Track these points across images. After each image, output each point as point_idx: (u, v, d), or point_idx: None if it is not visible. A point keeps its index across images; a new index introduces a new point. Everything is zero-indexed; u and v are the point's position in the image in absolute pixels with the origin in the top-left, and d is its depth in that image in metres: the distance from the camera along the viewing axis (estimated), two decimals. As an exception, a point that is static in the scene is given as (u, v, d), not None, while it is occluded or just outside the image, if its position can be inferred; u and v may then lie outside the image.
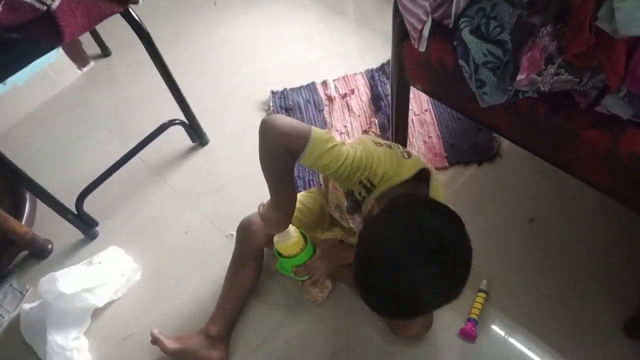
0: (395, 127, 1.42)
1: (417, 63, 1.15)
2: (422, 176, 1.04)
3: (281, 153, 0.94)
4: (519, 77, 0.91)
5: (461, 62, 1.05)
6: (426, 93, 1.23)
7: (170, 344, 1.27)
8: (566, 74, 0.89)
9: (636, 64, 0.83)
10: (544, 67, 0.89)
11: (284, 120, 0.95)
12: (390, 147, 1.07)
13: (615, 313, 1.27)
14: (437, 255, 0.82)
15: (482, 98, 1.03)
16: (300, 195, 1.35)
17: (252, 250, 1.33)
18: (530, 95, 0.96)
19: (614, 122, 0.93)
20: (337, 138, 0.99)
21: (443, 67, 1.10)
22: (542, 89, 0.92)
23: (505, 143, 1.63)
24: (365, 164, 0.98)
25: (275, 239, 1.15)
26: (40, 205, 1.60)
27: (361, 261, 0.90)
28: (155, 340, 1.27)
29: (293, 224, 1.13)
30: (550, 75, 0.90)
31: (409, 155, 1.08)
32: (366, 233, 0.93)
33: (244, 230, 1.32)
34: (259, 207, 1.11)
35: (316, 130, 0.94)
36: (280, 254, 1.18)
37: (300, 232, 1.17)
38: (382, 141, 1.09)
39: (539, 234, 1.44)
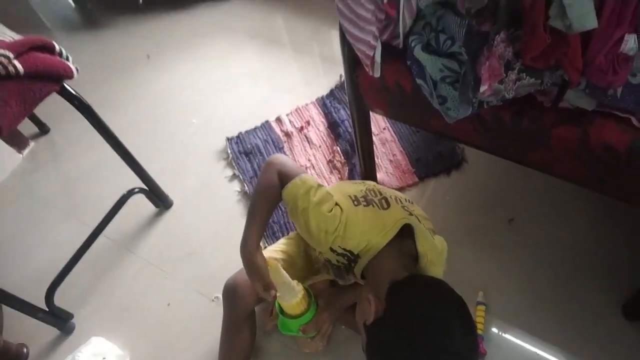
0: (361, 154, 1.40)
1: (374, 89, 1.13)
2: (405, 230, 1.02)
3: (272, 184, 1.04)
4: (482, 89, 0.90)
5: (419, 81, 1.04)
6: (388, 117, 1.22)
7: None
8: (527, 77, 0.89)
9: (594, 55, 0.83)
10: (504, 74, 0.89)
11: (286, 159, 1.07)
12: (368, 204, 1.05)
13: (610, 297, 1.28)
14: None
15: (447, 114, 1.01)
16: (281, 244, 1.30)
17: (244, 314, 1.23)
18: (495, 104, 0.95)
19: (580, 115, 0.93)
20: (333, 196, 1.02)
21: (401, 89, 1.09)
22: (507, 96, 0.91)
23: (468, 147, 1.63)
24: (332, 227, 0.98)
25: (279, 299, 1.08)
26: (6, 308, 1.49)
27: None
28: None
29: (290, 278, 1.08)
30: (512, 81, 0.89)
31: (388, 204, 1.06)
32: (376, 344, 0.89)
33: (231, 294, 1.22)
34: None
35: (307, 175, 1.03)
36: (284, 314, 1.11)
37: (307, 290, 1.12)
38: (359, 193, 1.08)
39: (520, 233, 1.44)
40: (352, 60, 1.13)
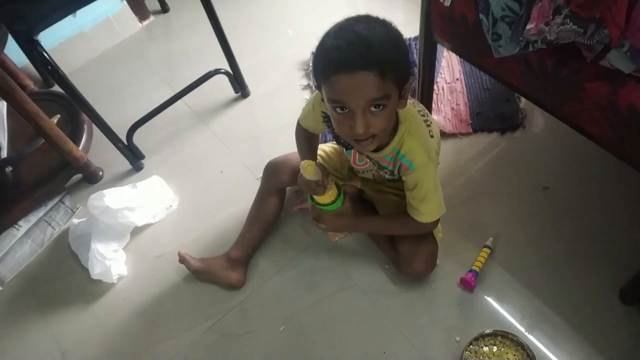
0: (421, 83, 1.50)
1: (442, 17, 1.23)
2: None
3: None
4: (529, 27, 0.98)
5: (481, 16, 1.12)
6: (449, 48, 1.30)
7: (195, 263, 1.41)
8: (571, 23, 0.95)
9: (637, 15, 0.88)
10: (551, 17, 0.96)
11: None
12: None
13: (613, 279, 1.30)
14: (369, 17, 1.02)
15: (497, 50, 1.10)
16: (325, 145, 1.46)
17: (276, 187, 1.45)
18: (540, 47, 1.02)
19: (616, 75, 0.98)
20: None
21: (464, 21, 1.18)
22: (549, 37, 0.98)
23: (530, 115, 1.68)
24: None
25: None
26: (95, 138, 1.79)
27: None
28: (182, 259, 1.41)
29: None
30: (556, 24, 0.96)
31: None
32: None
33: (270, 169, 1.44)
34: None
35: None
36: (317, 204, 1.25)
37: (336, 184, 1.24)
38: None
39: (550, 202, 1.48)
40: (429, -12, 1.23)
